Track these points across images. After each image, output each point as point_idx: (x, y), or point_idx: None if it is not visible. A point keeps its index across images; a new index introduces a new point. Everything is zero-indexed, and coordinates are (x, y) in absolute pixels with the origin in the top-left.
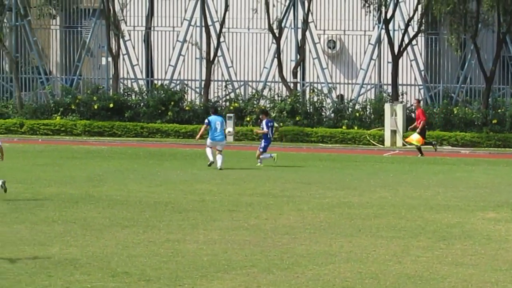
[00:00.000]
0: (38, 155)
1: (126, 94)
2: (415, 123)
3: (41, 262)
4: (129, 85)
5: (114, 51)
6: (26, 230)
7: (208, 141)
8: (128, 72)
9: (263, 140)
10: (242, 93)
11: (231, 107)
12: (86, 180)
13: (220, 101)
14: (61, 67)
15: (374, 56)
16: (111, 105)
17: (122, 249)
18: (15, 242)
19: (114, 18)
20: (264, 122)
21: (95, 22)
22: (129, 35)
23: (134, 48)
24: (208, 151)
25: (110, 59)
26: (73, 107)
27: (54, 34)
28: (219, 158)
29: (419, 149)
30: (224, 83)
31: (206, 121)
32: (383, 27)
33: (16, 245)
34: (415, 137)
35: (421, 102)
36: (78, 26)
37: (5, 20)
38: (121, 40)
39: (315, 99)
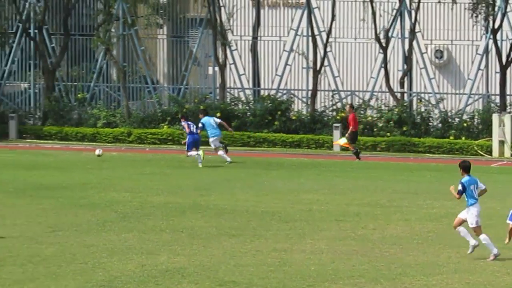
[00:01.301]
0: (146, 164)
1: (233, 103)
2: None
3: (149, 270)
4: (236, 95)
5: (221, 60)
6: (134, 239)
7: (214, 141)
8: (234, 82)
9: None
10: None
11: (338, 117)
12: (194, 189)
13: (327, 111)
14: (168, 77)
15: (482, 66)
16: (218, 115)
17: (229, 258)
18: (123, 250)
19: (221, 28)
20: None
21: (202, 32)
22: (236, 44)
23: (240, 57)
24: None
25: (217, 68)
26: (180, 116)
27: (161, 44)
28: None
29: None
30: (330, 93)
31: (200, 125)
32: (491, 37)
33: (124, 253)
34: (342, 141)
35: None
36: (185, 36)
37: (112, 30)
38: (228, 50)
39: (423, 109)
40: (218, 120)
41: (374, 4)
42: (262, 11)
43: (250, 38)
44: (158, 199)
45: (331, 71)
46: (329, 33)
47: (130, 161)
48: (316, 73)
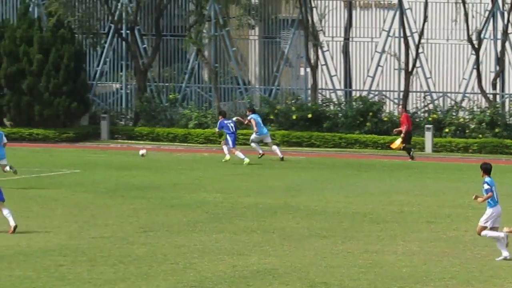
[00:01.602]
0: (237, 165)
1: (324, 104)
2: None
3: (240, 271)
4: (327, 96)
5: (312, 61)
6: (225, 240)
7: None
8: (326, 83)
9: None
10: (441, 104)
11: (430, 118)
12: (284, 190)
13: (419, 112)
14: (259, 77)
15: None
16: (310, 116)
17: (320, 259)
18: (214, 251)
19: (312, 29)
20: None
21: (293, 33)
22: (328, 45)
23: (332, 58)
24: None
25: (308, 69)
26: (271, 117)
27: (253, 45)
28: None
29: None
30: (422, 94)
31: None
32: None
33: (215, 254)
34: (398, 142)
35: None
36: (277, 37)
37: (204, 30)
38: (319, 51)
39: None
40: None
41: (466, 5)
42: (354, 12)
43: (342, 39)
44: (249, 200)
45: (423, 72)
46: (421, 34)
47: (220, 162)
48: (408, 74)
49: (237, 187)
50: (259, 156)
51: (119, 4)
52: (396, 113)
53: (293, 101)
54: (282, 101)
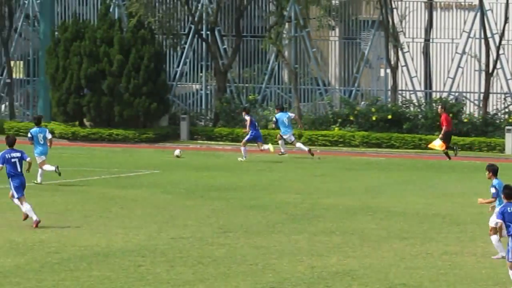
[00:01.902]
0: (317, 166)
1: (404, 106)
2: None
3: (319, 272)
4: (407, 97)
5: (392, 62)
6: (304, 241)
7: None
8: (406, 84)
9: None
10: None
11: (510, 120)
12: (364, 192)
13: (499, 114)
14: (339, 78)
15: None
16: (390, 117)
17: (399, 261)
18: (293, 252)
19: (393, 30)
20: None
21: (374, 34)
22: (408, 46)
23: (412, 60)
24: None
25: (388, 70)
26: (351, 118)
27: (333, 46)
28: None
29: (445, 154)
30: (503, 96)
31: (274, 119)
32: None
33: (294, 255)
34: (437, 143)
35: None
36: (357, 38)
37: (284, 31)
38: (399, 52)
39: None
40: (292, 115)
41: None
42: (434, 13)
43: (422, 40)
44: (328, 201)
45: (503, 73)
46: (502, 36)
47: (300, 163)
48: (488, 75)
49: (316, 188)
50: (280, 154)
51: (200, 5)
52: (476, 115)
53: (368, 103)
54: (361, 102)
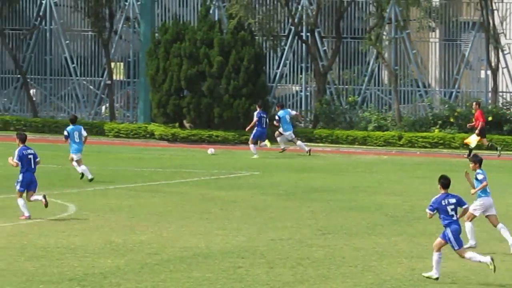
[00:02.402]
0: (416, 168)
1: (505, 107)
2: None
3: (419, 274)
4: (508, 99)
5: (493, 64)
6: (404, 243)
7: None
8: (507, 86)
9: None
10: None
11: None
12: (464, 193)
13: None
14: (439, 80)
15: None
16: (490, 119)
17: (500, 263)
18: (393, 254)
19: (493, 31)
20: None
21: (474, 35)
22: (509, 48)
23: None
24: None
25: (489, 72)
26: (451, 120)
27: (433, 47)
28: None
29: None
30: None
31: (276, 117)
32: None
33: (394, 257)
34: (473, 138)
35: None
36: (458, 39)
37: (384, 33)
38: (500, 53)
39: None
40: (293, 112)
41: None
42: None
43: None
44: (428, 203)
45: None
46: None
47: (400, 165)
48: None
49: (416, 189)
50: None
51: (300, 7)
52: None
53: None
54: (462, 104)
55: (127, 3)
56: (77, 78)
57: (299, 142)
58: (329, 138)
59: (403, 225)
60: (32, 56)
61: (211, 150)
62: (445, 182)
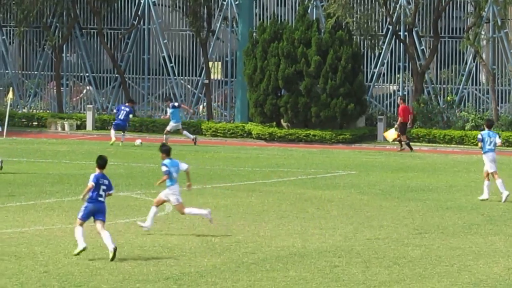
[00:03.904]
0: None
1: None
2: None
3: None
4: None
5: None
6: (500, 242)
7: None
8: None
9: None
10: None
11: None
12: None
13: None
14: None
15: None
16: None
17: None
18: (490, 253)
19: None
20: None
21: None
22: None
23: None
24: None
25: None
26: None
27: None
28: None
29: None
30: None
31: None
32: None
33: (490, 256)
34: (391, 133)
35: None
36: None
37: (482, 32)
38: None
39: None
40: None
41: None
42: None
43: None
44: None
45: None
46: None
47: (498, 164)
48: None
49: None
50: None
51: (398, 6)
52: None
53: None
54: None
55: (225, 3)
56: (175, 77)
57: (185, 132)
58: (426, 137)
59: (499, 224)
60: (130, 56)
61: (138, 141)
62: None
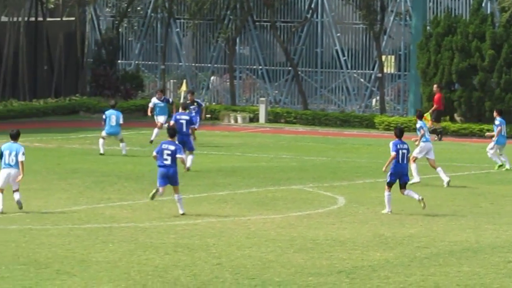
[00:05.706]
0: None
1: None
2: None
3: None
4: None
5: None
6: None
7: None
8: None
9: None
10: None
11: None
12: None
13: None
14: None
15: None
16: None
17: None
18: None
19: None
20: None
21: None
22: None
23: None
24: None
25: None
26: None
27: None
28: None
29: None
30: None
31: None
32: None
33: None
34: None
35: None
36: None
37: None
38: None
39: None
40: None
41: None
42: None
43: None
44: None
45: None
46: None
47: None
48: None
49: None
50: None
51: None
52: None
53: None
54: None
55: None
56: (348, 71)
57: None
58: None
59: None
60: (303, 49)
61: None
62: None
